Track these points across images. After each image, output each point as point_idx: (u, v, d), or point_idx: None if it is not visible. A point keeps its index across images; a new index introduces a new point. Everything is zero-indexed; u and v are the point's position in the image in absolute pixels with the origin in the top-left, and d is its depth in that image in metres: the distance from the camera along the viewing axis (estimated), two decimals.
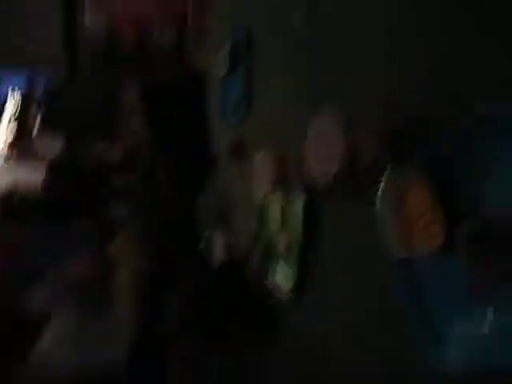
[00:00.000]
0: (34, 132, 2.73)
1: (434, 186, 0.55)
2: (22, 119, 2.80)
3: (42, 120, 2.74)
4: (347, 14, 0.74)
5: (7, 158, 2.70)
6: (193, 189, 1.71)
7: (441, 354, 0.53)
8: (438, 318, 0.55)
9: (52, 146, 2.67)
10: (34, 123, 2.74)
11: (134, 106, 2.71)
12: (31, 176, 2.53)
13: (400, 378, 0.64)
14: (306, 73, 0.89)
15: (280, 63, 1.00)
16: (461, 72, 0.54)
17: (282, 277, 0.95)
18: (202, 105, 1.56)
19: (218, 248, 1.13)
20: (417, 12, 0.61)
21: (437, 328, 0.55)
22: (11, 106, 2.81)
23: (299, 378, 0.90)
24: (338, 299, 0.79)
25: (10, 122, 2.81)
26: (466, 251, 0.47)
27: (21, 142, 2.76)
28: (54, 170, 2.56)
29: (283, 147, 0.84)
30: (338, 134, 0.60)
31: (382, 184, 0.62)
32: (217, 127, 1.41)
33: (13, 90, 2.81)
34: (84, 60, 2.80)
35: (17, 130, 2.78)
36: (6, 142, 2.74)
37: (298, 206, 0.88)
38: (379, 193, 0.62)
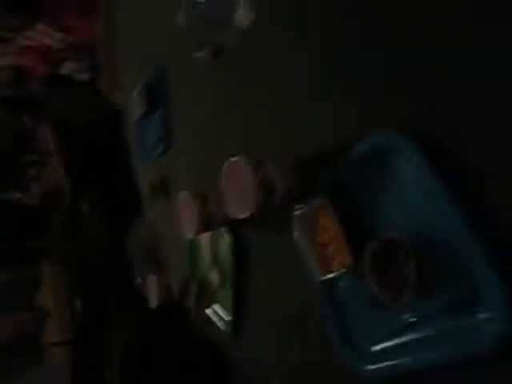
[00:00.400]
0: None
1: (340, 212, 0.61)
2: None
3: None
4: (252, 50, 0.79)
5: None
6: (120, 230, 1.66)
7: (363, 365, 0.58)
8: (357, 331, 0.60)
9: None
10: None
11: (49, 147, 2.58)
12: None
13: None
14: (217, 111, 0.94)
15: (195, 102, 1.04)
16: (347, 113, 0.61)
17: (219, 312, 0.96)
18: (121, 143, 1.54)
19: (152, 290, 1.11)
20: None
21: (358, 342, 0.60)
22: None
23: None
24: (272, 328, 0.82)
25: None
26: (368, 271, 0.53)
27: None
28: None
29: (204, 186, 0.86)
30: (249, 174, 0.64)
31: (296, 214, 0.67)
32: (137, 167, 1.40)
33: None
34: None
35: None
36: None
37: (225, 241, 0.91)
38: (295, 222, 0.67)
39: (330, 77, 0.64)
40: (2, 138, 2.60)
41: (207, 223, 0.86)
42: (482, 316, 0.45)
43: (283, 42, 0.73)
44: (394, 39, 0.55)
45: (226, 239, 0.91)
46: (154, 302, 1.12)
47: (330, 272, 0.61)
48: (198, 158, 1.03)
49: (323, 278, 0.63)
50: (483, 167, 0.46)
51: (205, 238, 0.99)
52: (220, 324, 0.96)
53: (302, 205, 0.66)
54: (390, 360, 0.55)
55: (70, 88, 2.76)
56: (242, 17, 0.78)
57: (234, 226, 0.86)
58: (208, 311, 1.00)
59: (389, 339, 0.56)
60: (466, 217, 0.46)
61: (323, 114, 0.66)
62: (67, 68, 2.79)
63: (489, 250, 0.44)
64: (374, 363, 0.57)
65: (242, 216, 0.68)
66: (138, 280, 1.23)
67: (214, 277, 0.98)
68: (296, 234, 0.68)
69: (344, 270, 0.59)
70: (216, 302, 0.98)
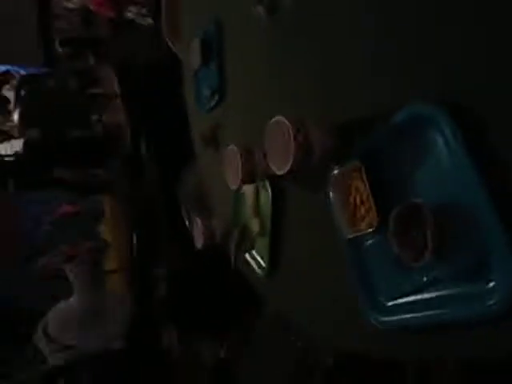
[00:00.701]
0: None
1: (372, 176, 0.64)
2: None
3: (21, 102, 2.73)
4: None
5: None
6: (173, 175, 1.78)
7: (379, 316, 0.64)
8: (376, 286, 0.66)
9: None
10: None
11: (112, 89, 2.73)
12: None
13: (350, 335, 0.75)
14: (269, 68, 0.97)
15: (249, 58, 1.07)
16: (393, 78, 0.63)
17: (256, 259, 1.05)
18: (177, 92, 1.61)
19: (198, 233, 1.22)
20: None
21: (376, 295, 0.66)
22: None
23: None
24: (302, 277, 0.89)
25: None
26: (391, 232, 0.57)
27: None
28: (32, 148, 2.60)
29: (251, 140, 0.91)
30: (291, 133, 0.68)
31: (332, 174, 0.71)
32: (192, 117, 1.47)
33: None
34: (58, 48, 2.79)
35: None
36: None
37: (267, 193, 0.97)
38: (330, 182, 0.72)
39: (380, 45, 0.65)
40: (68, 77, 2.78)
41: (250, 176, 0.93)
42: (490, 285, 0.48)
43: (339, 5, 0.74)
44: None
45: (267, 192, 0.98)
46: (199, 243, 1.23)
47: (359, 231, 0.66)
48: (248, 113, 1.07)
49: (351, 236, 0.68)
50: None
51: (249, 189, 1.06)
52: (256, 269, 1.05)
53: (338, 166, 0.70)
54: (402, 314, 0.60)
55: (133, 32, 2.85)
56: None
57: (275, 180, 0.92)
58: (246, 256, 1.09)
59: (403, 296, 0.61)
60: (490, 190, 0.48)
61: (368, 80, 0.67)
62: (132, 12, 2.85)
63: (507, 226, 0.47)
64: (388, 315, 0.63)
65: (281, 172, 0.73)
66: (186, 222, 1.34)
67: (254, 225, 1.05)
68: (331, 193, 0.72)
69: (370, 229, 0.64)
70: (254, 249, 1.06)
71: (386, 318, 0.63)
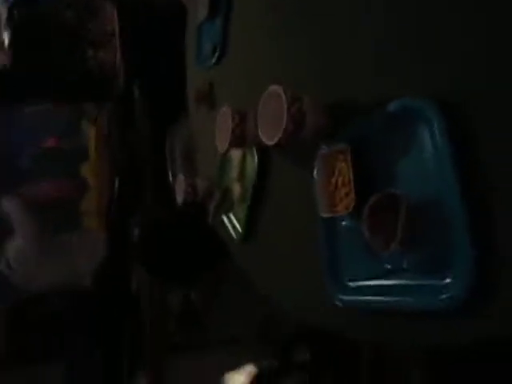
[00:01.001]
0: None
1: (357, 161, 0.65)
2: None
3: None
4: None
5: None
6: (164, 127, 1.76)
7: (340, 294, 0.67)
8: (343, 266, 0.68)
9: None
10: None
11: (111, 27, 2.62)
12: None
13: (315, 312, 0.79)
14: (274, 34, 0.94)
15: (255, 19, 1.03)
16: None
17: (233, 223, 1.07)
18: (179, 41, 1.56)
19: (180, 188, 1.22)
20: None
21: (341, 275, 0.68)
22: None
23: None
24: (275, 247, 0.92)
25: None
26: (365, 218, 0.59)
27: None
28: None
29: (246, 104, 0.90)
30: (285, 104, 0.68)
31: (319, 152, 0.72)
32: (189, 71, 1.44)
33: None
34: None
35: None
36: None
37: (253, 160, 0.98)
38: (317, 159, 0.73)
39: (381, 38, 0.64)
40: (65, 6, 2.63)
41: (239, 141, 0.92)
42: (446, 281, 0.51)
43: None
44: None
45: (254, 159, 0.98)
46: (179, 199, 1.24)
47: (335, 211, 0.68)
48: (246, 76, 1.05)
49: (327, 215, 0.69)
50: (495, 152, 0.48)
51: (236, 153, 1.06)
52: (232, 232, 1.07)
53: (326, 145, 0.71)
54: (363, 296, 0.63)
55: None
56: None
57: (263, 149, 0.92)
58: (224, 219, 1.11)
59: (367, 279, 0.64)
60: (464, 191, 0.49)
61: (367, 64, 0.67)
62: None
63: (472, 228, 0.48)
64: (350, 295, 0.66)
65: (270, 142, 0.73)
66: (170, 176, 1.34)
67: (236, 190, 1.06)
68: (315, 171, 0.73)
69: (346, 212, 0.65)
70: (232, 213, 1.08)
71: (348, 298, 0.66)
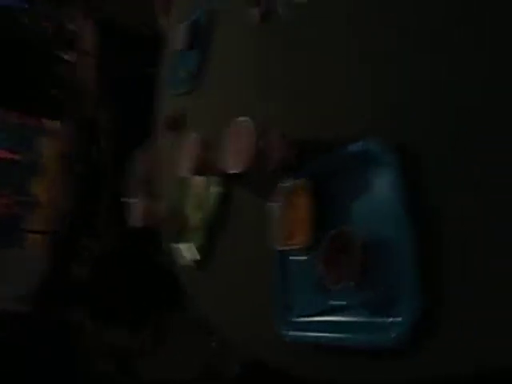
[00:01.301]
0: None
1: (316, 198, 0.67)
2: None
3: None
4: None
5: None
6: (128, 146, 1.73)
7: (288, 331, 0.66)
8: (292, 300, 0.68)
9: None
10: None
11: (88, 47, 2.61)
12: None
13: (262, 346, 0.77)
14: (249, 69, 0.98)
15: (233, 53, 1.07)
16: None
17: (188, 250, 1.05)
18: (153, 68, 1.58)
19: (135, 213, 1.19)
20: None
21: (290, 309, 0.68)
22: None
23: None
24: (229, 277, 0.90)
25: None
26: (320, 254, 0.60)
27: None
28: None
29: (213, 134, 0.92)
30: (253, 135, 0.70)
31: (280, 187, 0.73)
32: (161, 97, 1.45)
33: None
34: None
35: None
36: None
37: (215, 190, 0.98)
38: (276, 193, 0.74)
39: (349, 76, 0.68)
40: (44, 27, 2.61)
41: (204, 168, 0.93)
42: (394, 319, 0.52)
43: (330, 26, 0.76)
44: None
45: (216, 188, 0.98)
46: (135, 222, 1.20)
47: (290, 245, 0.68)
48: (218, 106, 1.08)
49: (282, 248, 0.70)
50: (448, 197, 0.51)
51: (198, 181, 1.06)
52: (186, 260, 1.04)
53: (288, 179, 0.72)
54: (309, 332, 0.63)
55: None
56: None
57: (226, 179, 0.93)
58: (180, 245, 1.09)
59: (315, 315, 0.63)
60: (414, 235, 0.52)
61: (335, 105, 0.70)
62: None
63: (420, 270, 0.50)
64: (296, 331, 0.65)
65: (235, 170, 0.74)
66: (127, 199, 1.31)
67: (195, 217, 1.05)
68: (274, 203, 0.74)
69: (301, 246, 0.66)
70: (189, 240, 1.06)
71: (296, 333, 0.65)
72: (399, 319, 0.51)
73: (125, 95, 2.27)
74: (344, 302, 0.59)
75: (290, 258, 0.71)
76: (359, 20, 0.70)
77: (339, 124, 0.69)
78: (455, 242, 0.49)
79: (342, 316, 0.59)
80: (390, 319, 0.52)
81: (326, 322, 0.61)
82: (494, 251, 0.46)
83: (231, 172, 0.75)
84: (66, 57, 2.63)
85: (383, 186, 0.58)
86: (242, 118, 0.73)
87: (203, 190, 1.04)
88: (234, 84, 1.03)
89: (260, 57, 0.95)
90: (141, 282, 1.45)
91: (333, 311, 0.60)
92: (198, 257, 1.00)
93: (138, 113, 1.76)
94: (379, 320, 0.54)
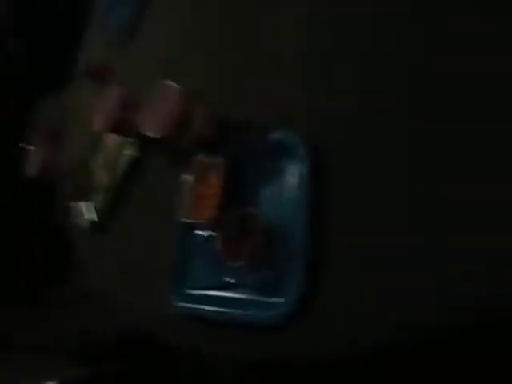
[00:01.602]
0: None
1: (229, 178, 0.68)
2: None
3: None
4: None
5: None
6: (39, 90, 1.56)
7: (179, 302, 0.67)
8: (189, 274, 0.69)
9: None
10: None
11: None
12: None
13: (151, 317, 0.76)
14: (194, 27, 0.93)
15: (177, 12, 1.01)
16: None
17: (87, 210, 0.99)
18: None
19: (33, 162, 1.09)
20: None
21: (184, 281, 0.69)
22: None
23: None
24: (128, 239, 0.88)
25: None
26: (221, 230, 0.61)
27: None
28: None
29: (138, 90, 0.87)
30: (179, 103, 0.68)
31: (195, 161, 0.72)
32: (87, 43, 1.33)
33: None
34: None
35: None
36: None
37: (127, 152, 0.93)
38: (191, 167, 0.73)
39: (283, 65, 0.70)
40: None
41: (121, 127, 0.88)
42: (278, 300, 0.56)
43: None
44: None
45: (129, 151, 0.94)
46: (31, 171, 1.09)
47: (195, 218, 0.68)
48: (147, 66, 1.02)
49: (187, 221, 0.70)
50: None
51: (112, 140, 1.00)
52: (85, 220, 0.99)
53: (204, 154, 0.72)
54: (200, 305, 0.64)
55: None
56: None
57: (142, 142, 0.89)
58: (80, 204, 1.02)
59: (207, 289, 0.65)
60: (309, 228, 0.56)
61: (263, 93, 0.71)
62: None
63: (307, 259, 0.55)
64: (187, 302, 0.66)
65: (153, 134, 0.72)
66: (25, 145, 1.18)
67: (102, 177, 0.99)
68: (187, 176, 0.73)
69: (205, 221, 0.66)
70: (91, 200, 1.00)
71: (185, 305, 0.66)
72: (282, 300, 0.55)
73: (44, 31, 2.03)
74: (237, 280, 0.61)
75: (194, 231, 0.71)
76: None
77: (262, 112, 0.70)
78: (340, 236, 0.54)
79: (234, 293, 0.62)
80: (275, 299, 0.56)
81: (218, 297, 0.63)
82: (371, 243, 0.51)
83: (149, 135, 0.72)
84: None
85: (291, 175, 0.61)
86: (169, 82, 0.71)
87: (115, 150, 0.99)
88: (168, 45, 0.99)
89: (204, 24, 0.91)
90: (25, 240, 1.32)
91: (225, 287, 0.62)
92: (96, 218, 0.95)
93: (56, 54, 1.59)
94: (266, 299, 0.57)
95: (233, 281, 0.62)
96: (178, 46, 0.95)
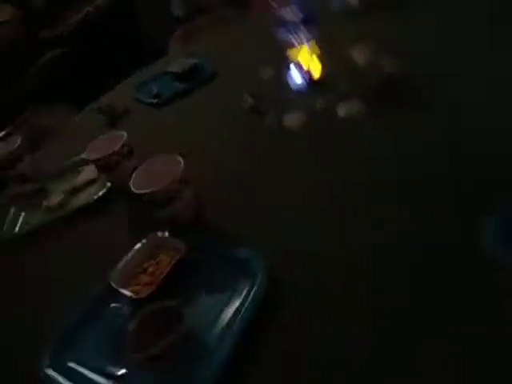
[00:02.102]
0: None
1: (178, 264, 0.64)
2: None
3: None
4: None
5: None
6: None
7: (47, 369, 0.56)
8: (78, 344, 0.60)
9: None
10: None
11: None
12: None
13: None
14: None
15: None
16: None
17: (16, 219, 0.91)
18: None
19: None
20: None
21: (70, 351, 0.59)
22: None
23: None
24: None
25: None
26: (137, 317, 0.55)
27: None
28: None
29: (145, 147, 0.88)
30: (177, 172, 0.70)
31: (151, 235, 0.70)
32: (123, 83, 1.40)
33: None
34: None
35: None
36: None
37: (98, 190, 0.91)
38: (146, 238, 0.70)
39: None
40: None
41: (107, 168, 0.86)
42: None
43: None
44: None
45: (94, 189, 0.91)
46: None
47: (125, 289, 0.62)
48: (161, 136, 1.04)
49: (115, 287, 0.63)
50: None
51: (89, 172, 0.97)
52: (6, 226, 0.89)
53: (168, 233, 0.69)
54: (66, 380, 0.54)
55: None
56: None
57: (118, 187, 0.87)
58: (13, 209, 0.93)
59: (92, 369, 0.56)
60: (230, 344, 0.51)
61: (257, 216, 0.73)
62: None
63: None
64: (58, 373, 0.55)
65: (137, 191, 0.70)
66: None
67: (54, 197, 0.95)
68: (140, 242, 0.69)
69: (132, 295, 0.61)
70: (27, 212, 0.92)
71: (50, 372, 0.55)
72: None
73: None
74: (130, 373, 0.53)
75: (111, 301, 0.64)
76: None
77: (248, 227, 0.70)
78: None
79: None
80: None
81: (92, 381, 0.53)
82: None
83: (134, 188, 0.70)
84: None
85: (240, 287, 0.58)
86: (175, 155, 0.73)
87: (86, 183, 0.96)
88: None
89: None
90: None
91: (113, 376, 0.53)
92: (20, 233, 0.86)
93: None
94: None
95: (125, 372, 0.53)
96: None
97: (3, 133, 1.08)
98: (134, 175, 0.73)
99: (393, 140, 0.75)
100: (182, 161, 0.71)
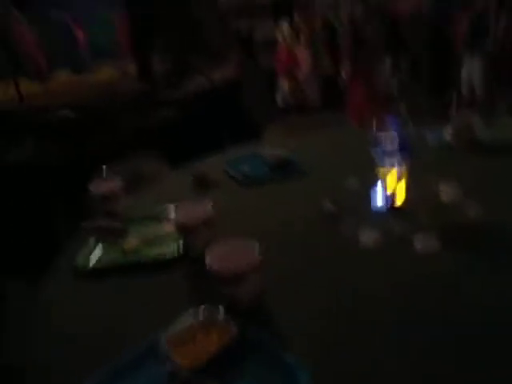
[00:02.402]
0: None
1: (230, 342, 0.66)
2: None
3: None
4: None
5: None
6: None
7: None
8: None
9: None
10: None
11: None
12: None
13: None
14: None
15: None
16: None
17: (95, 253, 0.99)
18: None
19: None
20: None
21: None
22: None
23: None
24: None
25: None
26: None
27: None
28: None
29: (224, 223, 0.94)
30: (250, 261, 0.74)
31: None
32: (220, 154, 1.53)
33: None
34: None
35: None
36: None
37: (172, 247, 0.97)
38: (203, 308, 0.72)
39: None
40: None
41: (189, 232, 0.93)
42: None
43: None
44: None
45: (174, 246, 0.97)
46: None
47: (177, 360, 0.64)
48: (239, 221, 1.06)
49: (169, 356, 0.65)
50: None
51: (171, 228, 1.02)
52: (84, 258, 0.98)
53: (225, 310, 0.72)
54: None
55: None
56: None
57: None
58: (101, 244, 1.03)
59: None
60: None
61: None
62: None
63: None
64: None
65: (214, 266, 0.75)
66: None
67: (131, 242, 1.02)
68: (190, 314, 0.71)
69: (182, 369, 0.63)
70: (109, 246, 1.00)
71: None
72: None
73: None
74: None
75: (154, 365, 0.66)
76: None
77: None
78: None
79: None
80: None
81: None
82: None
83: (208, 261, 0.76)
84: None
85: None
86: (253, 242, 0.77)
87: (167, 237, 1.02)
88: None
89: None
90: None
91: None
92: (92, 267, 0.93)
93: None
94: None
95: None
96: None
97: (106, 172, 1.20)
98: (210, 249, 0.78)
99: (464, 284, 0.75)
100: (257, 247, 0.76)
